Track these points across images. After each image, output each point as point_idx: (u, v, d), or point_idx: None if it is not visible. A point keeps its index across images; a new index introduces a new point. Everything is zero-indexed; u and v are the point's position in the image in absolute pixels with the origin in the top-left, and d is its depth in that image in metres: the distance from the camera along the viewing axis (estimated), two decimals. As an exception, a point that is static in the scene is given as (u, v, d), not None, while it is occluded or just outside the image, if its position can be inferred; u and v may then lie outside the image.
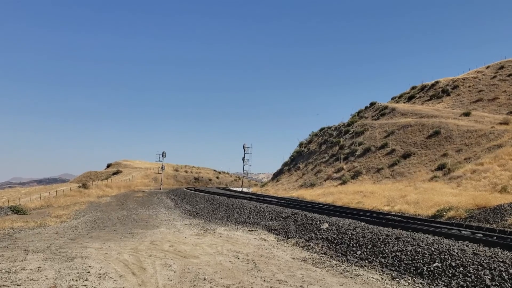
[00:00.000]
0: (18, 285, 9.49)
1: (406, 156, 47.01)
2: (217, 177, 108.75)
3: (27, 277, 10.20)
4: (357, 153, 55.86)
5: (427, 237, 13.54)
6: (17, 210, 30.16)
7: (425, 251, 11.83)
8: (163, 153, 72.04)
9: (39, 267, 11.30)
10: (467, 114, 53.30)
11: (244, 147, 71.88)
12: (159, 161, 74.13)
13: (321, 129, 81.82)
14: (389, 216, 22.12)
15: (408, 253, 12.16)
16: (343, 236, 15.62)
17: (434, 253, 11.55)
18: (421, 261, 11.39)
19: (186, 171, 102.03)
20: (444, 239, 13.37)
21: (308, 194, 44.92)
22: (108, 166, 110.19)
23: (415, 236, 13.66)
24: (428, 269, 10.88)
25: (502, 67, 71.73)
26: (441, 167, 38.33)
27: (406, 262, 11.74)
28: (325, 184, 51.72)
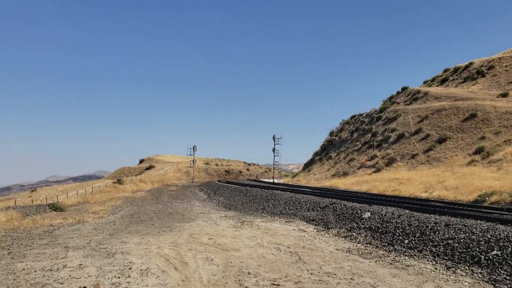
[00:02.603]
0: (61, 284, 9.34)
1: (441, 140, 45.45)
2: (247, 169, 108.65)
3: (69, 275, 10.05)
4: (390, 140, 54.48)
5: (480, 224, 12.72)
6: (55, 207, 30.65)
7: (481, 239, 11.10)
8: (193, 147, 72.28)
9: (80, 264, 11.17)
10: (504, 95, 51.01)
11: (274, 138, 71.33)
12: (190, 155, 74.44)
13: (352, 117, 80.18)
14: (431, 203, 21.24)
15: (461, 241, 11.45)
16: (388, 225, 14.98)
17: (491, 240, 10.81)
18: (477, 249, 10.67)
19: (216, 164, 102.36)
20: (499, 225, 12.54)
21: (342, 183, 44.07)
22: (141, 161, 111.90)
23: (467, 223, 12.89)
24: (486, 257, 10.16)
25: (540, 44, 68.43)
26: (479, 151, 36.81)
27: (460, 250, 11.04)
28: (359, 173, 50.70)
